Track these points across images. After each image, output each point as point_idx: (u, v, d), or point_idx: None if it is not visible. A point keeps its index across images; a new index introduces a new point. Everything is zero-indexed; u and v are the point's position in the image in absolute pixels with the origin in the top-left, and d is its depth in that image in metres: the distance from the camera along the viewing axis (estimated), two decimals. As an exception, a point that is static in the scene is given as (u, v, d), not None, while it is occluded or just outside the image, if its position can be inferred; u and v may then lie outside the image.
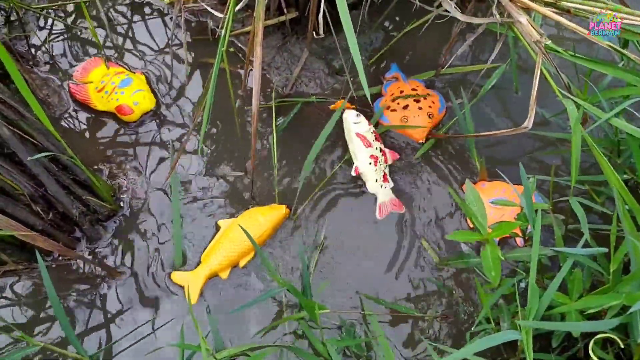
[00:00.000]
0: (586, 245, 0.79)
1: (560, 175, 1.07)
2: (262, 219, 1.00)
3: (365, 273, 1.01)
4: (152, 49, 1.23)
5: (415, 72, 1.20)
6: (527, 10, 0.90)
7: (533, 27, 0.88)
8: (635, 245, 0.73)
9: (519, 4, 0.88)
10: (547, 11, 0.88)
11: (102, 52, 1.19)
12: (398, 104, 1.12)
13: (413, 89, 1.14)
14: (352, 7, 1.22)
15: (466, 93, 1.16)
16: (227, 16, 0.85)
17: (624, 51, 0.87)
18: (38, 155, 0.87)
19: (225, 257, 0.98)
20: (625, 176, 0.96)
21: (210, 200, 1.07)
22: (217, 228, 1.03)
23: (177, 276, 0.98)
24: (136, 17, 1.28)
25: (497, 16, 0.91)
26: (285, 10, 1.10)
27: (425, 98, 1.13)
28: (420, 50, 1.24)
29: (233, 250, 0.98)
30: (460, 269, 0.99)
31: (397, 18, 1.28)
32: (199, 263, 0.99)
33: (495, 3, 0.90)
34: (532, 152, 1.15)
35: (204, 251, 1.00)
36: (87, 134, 1.13)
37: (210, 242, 1.01)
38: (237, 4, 0.89)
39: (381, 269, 1.01)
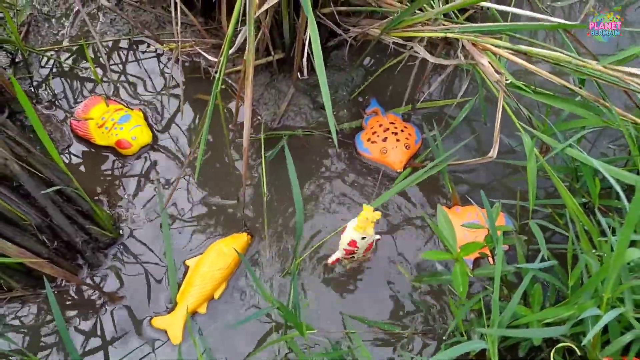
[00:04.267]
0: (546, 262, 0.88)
1: (527, 199, 1.17)
2: (227, 249, 1.06)
3: (347, 294, 1.08)
4: (148, 86, 1.32)
5: (393, 107, 1.30)
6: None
7: (494, 68, 0.99)
8: (588, 262, 0.82)
9: (480, 47, 0.99)
10: (505, 53, 0.99)
11: (103, 91, 1.28)
12: (378, 136, 1.22)
13: (391, 123, 1.24)
14: (334, 47, 1.33)
15: (441, 125, 1.26)
16: (221, 59, 0.94)
17: (580, 90, 0.98)
18: (49, 190, 0.94)
19: (200, 293, 1.03)
20: (583, 199, 1.06)
21: (204, 227, 1.14)
22: (186, 268, 1.08)
23: (158, 321, 1.02)
24: (133, 57, 1.37)
25: (462, 58, 1.02)
26: (272, 52, 1.20)
27: (402, 131, 1.23)
28: (398, 86, 1.35)
29: (206, 285, 1.04)
30: (436, 286, 1.08)
31: (376, 56, 1.39)
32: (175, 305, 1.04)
33: (460, 46, 1.01)
34: (502, 178, 1.24)
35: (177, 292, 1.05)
36: (87, 167, 1.21)
37: (182, 282, 1.06)
38: (230, 49, 0.99)
39: (362, 290, 1.09)
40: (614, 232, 0.97)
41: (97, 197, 1.16)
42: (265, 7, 0.93)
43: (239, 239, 1.09)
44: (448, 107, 1.32)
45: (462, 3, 0.92)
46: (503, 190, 1.22)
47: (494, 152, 1.01)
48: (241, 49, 1.00)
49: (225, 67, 0.96)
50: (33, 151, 1.02)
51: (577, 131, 1.05)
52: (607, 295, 0.67)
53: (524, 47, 0.98)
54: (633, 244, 0.83)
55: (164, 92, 1.31)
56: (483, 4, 0.93)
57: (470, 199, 1.05)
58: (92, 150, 1.23)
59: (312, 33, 0.83)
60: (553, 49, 0.95)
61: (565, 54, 0.93)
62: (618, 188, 0.81)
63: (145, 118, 1.26)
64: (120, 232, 1.12)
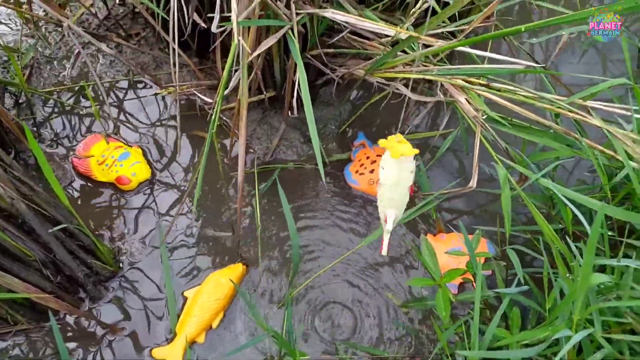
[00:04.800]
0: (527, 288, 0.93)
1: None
2: (224, 280, 1.11)
3: (339, 320, 1.13)
4: (147, 124, 1.39)
5: (380, 139, 1.37)
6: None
7: (470, 105, 1.06)
8: (562, 286, 0.88)
9: (457, 86, 1.06)
10: (480, 91, 1.06)
11: (103, 129, 1.34)
12: (365, 168, 1.29)
13: (378, 155, 1.31)
14: (323, 84, 1.41)
15: (427, 155, 1.33)
16: (216, 101, 1.01)
17: (551, 124, 1.05)
18: (55, 228, 0.99)
19: (198, 324, 1.08)
20: (560, 225, 1.12)
21: (202, 258, 1.19)
22: (185, 299, 1.13)
23: (158, 352, 1.06)
24: (132, 95, 1.44)
25: (441, 96, 1.09)
26: (264, 91, 1.27)
27: (388, 162, 1.29)
28: (384, 119, 1.42)
29: (204, 315, 1.08)
30: (424, 311, 1.13)
31: (363, 92, 1.46)
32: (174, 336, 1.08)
33: (439, 85, 1.09)
34: (485, 205, 1.31)
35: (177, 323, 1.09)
36: (89, 203, 1.26)
37: (181, 312, 1.10)
38: (225, 89, 1.06)
39: (354, 316, 1.14)
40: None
41: (98, 232, 1.21)
42: (257, 52, 1.01)
43: (235, 270, 1.14)
44: (433, 137, 1.39)
45: (440, 49, 1.00)
46: (486, 216, 1.28)
47: (473, 182, 1.07)
48: (235, 88, 1.07)
49: (220, 107, 1.03)
50: (37, 189, 1.07)
51: (555, 160, 1.13)
52: (576, 317, 0.73)
53: (497, 85, 1.06)
54: (603, 268, 0.89)
55: (162, 129, 1.37)
56: (460, 48, 1.00)
57: (451, 226, 1.11)
58: (93, 186, 1.29)
59: (301, 77, 0.90)
60: (523, 89, 1.02)
61: (534, 94, 1.00)
62: (579, 213, 0.88)
63: (145, 155, 1.32)
64: (121, 265, 1.17)
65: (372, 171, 1.28)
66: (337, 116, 1.41)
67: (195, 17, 1.21)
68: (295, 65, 1.03)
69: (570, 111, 1.00)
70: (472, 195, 1.30)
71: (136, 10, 1.48)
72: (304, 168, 1.33)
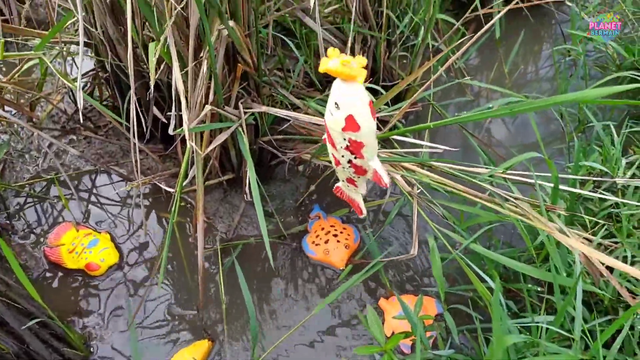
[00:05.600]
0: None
1: (454, 285, 1.34)
2: (190, 357, 1.18)
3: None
4: (115, 210, 1.48)
5: (333, 210, 1.49)
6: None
7: (406, 182, 1.19)
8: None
9: (392, 165, 1.20)
10: (416, 168, 1.20)
11: (72, 218, 1.43)
12: (320, 239, 1.39)
13: (331, 225, 1.42)
14: (278, 164, 1.53)
15: (377, 221, 1.45)
16: (175, 196, 1.11)
17: (479, 195, 1.18)
18: (30, 323, 1.06)
19: None
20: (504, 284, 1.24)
21: (170, 336, 1.26)
22: None
23: None
24: (101, 182, 1.54)
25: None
26: (221, 175, 1.38)
27: (341, 232, 1.40)
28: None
29: None
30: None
31: (316, 167, 1.59)
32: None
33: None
34: (428, 268, 1.42)
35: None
36: (60, 290, 1.33)
37: None
38: (184, 181, 1.17)
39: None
40: (519, 311, 1.14)
41: (69, 319, 1.27)
42: (209, 149, 1.13)
43: (201, 346, 1.21)
44: (382, 204, 1.51)
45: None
46: (431, 278, 1.39)
47: (414, 250, 1.19)
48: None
49: (179, 196, 1.13)
50: (11, 284, 1.14)
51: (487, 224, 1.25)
52: (497, 374, 0.83)
53: (429, 161, 1.19)
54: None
55: (130, 213, 1.47)
56: (394, 137, 1.14)
57: (396, 293, 1.21)
58: (64, 274, 1.36)
59: (250, 173, 1.02)
60: (448, 165, 1.16)
61: (461, 170, 1.14)
62: (486, 277, 0.99)
63: (113, 239, 1.41)
64: (91, 349, 1.23)
65: (326, 241, 1.38)
66: (293, 191, 1.53)
67: (156, 111, 1.33)
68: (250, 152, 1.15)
69: (491, 183, 1.13)
70: (423, 256, 1.42)
71: (104, 103, 1.61)
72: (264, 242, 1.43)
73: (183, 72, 0.95)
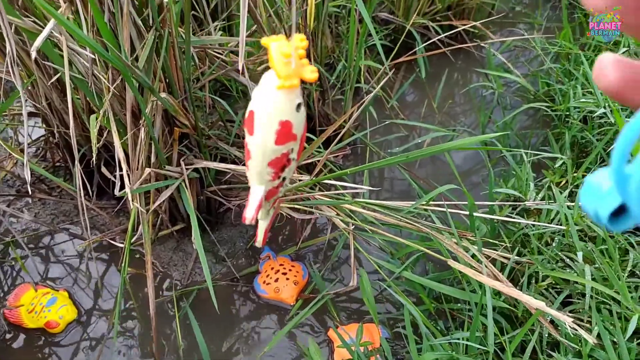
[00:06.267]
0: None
1: (399, 310, 1.44)
2: None
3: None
4: (72, 267, 1.54)
5: (282, 249, 1.58)
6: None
7: (341, 220, 1.30)
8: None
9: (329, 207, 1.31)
10: (353, 207, 1.31)
11: (31, 279, 1.48)
12: (270, 278, 1.48)
13: (280, 264, 1.51)
14: (226, 210, 1.63)
15: (324, 257, 1.55)
16: (124, 251, 1.19)
17: (408, 225, 1.30)
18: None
19: None
20: (433, 305, 1.35)
21: (129, 386, 1.32)
22: None
23: None
24: (57, 241, 1.60)
25: (317, 213, 1.33)
26: (174, 224, 1.47)
27: (290, 270, 1.50)
28: (285, 231, 1.64)
29: None
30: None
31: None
32: None
33: (314, 206, 1.33)
34: (378, 294, 1.52)
35: None
36: (22, 350, 1.37)
37: None
38: (133, 237, 1.25)
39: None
40: (447, 330, 1.25)
41: (30, 378, 1.32)
42: (157, 202, 1.22)
43: (160, 392, 1.27)
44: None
45: (302, 184, 1.25)
46: (384, 301, 1.49)
47: (354, 282, 1.29)
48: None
49: (134, 252, 1.21)
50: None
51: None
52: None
53: (362, 201, 1.31)
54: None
55: (86, 268, 1.53)
56: (326, 181, 1.26)
57: (338, 324, 1.30)
58: (25, 334, 1.40)
59: (194, 229, 1.11)
60: (378, 204, 1.28)
61: (389, 207, 1.26)
62: (408, 305, 1.10)
63: (71, 296, 1.46)
64: (54, 406, 1.28)
65: (276, 280, 1.47)
66: (243, 234, 1.62)
67: (105, 171, 1.42)
68: (198, 202, 1.25)
69: (417, 218, 1.26)
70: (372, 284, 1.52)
71: (56, 164, 1.68)
72: (219, 285, 1.51)
73: (122, 140, 1.05)
